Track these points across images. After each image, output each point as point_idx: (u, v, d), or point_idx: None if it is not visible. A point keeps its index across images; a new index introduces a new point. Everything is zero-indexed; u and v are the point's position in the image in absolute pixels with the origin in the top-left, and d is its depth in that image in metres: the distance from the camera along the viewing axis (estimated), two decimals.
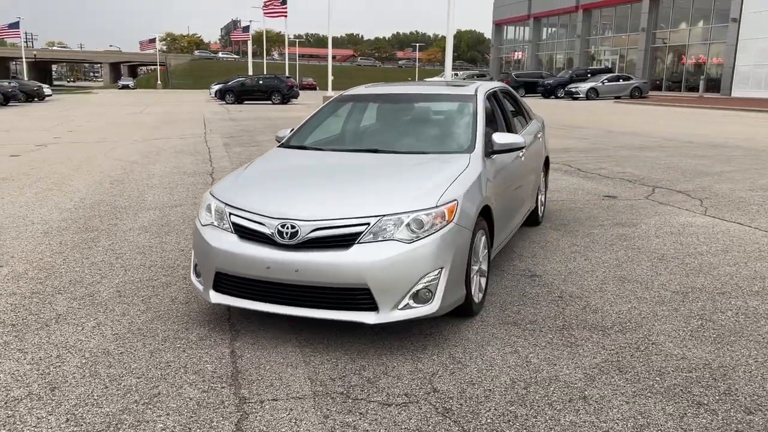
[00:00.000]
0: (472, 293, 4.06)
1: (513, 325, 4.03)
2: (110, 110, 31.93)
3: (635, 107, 31.36)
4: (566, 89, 40.31)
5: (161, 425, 2.93)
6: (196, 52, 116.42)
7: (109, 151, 13.83)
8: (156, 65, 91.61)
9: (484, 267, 4.35)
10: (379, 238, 3.56)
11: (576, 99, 38.63)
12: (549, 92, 42.42)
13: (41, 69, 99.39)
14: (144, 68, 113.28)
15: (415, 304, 3.60)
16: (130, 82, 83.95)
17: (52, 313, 4.27)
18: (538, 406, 3.07)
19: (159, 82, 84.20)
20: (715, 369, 3.44)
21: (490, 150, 4.59)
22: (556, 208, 7.57)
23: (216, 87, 43.19)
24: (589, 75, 43.16)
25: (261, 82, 39.53)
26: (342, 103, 5.55)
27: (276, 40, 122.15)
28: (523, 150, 5.45)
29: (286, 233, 3.64)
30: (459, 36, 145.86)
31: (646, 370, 3.44)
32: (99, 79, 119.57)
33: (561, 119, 22.50)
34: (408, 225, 3.60)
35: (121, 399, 3.16)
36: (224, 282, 3.86)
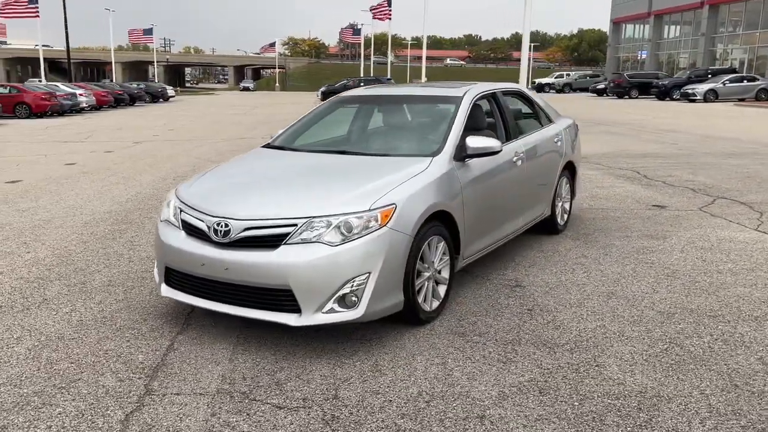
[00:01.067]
0: (421, 301, 3.94)
1: (458, 336, 3.86)
2: (219, 110, 33.76)
3: (755, 110, 28.83)
4: (682, 91, 37.75)
5: (60, 410, 3.08)
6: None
7: (194, 149, 14.64)
8: (274, 68, 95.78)
9: (445, 274, 4.21)
10: (307, 240, 3.54)
11: (693, 101, 36.09)
12: (664, 94, 39.89)
13: (175, 71, 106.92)
14: (266, 71, 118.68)
15: (339, 309, 3.55)
16: (251, 84, 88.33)
17: (40, 298, 4.60)
18: (428, 422, 2.93)
19: (277, 84, 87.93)
20: (648, 398, 3.12)
21: (463, 154, 4.43)
22: (591, 216, 7.15)
23: (322, 89, 44.51)
24: (709, 75, 40.17)
25: (362, 84, 40.26)
26: (335, 104, 5.56)
27: (394, 42, 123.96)
28: (522, 154, 5.21)
29: (220, 231, 3.71)
30: (581, 35, 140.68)
31: (570, 393, 3.18)
32: (226, 82, 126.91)
33: (659, 123, 21.15)
34: (338, 228, 3.56)
35: (43, 382, 3.35)
36: (173, 276, 3.99)
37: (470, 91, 5.02)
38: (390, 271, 3.62)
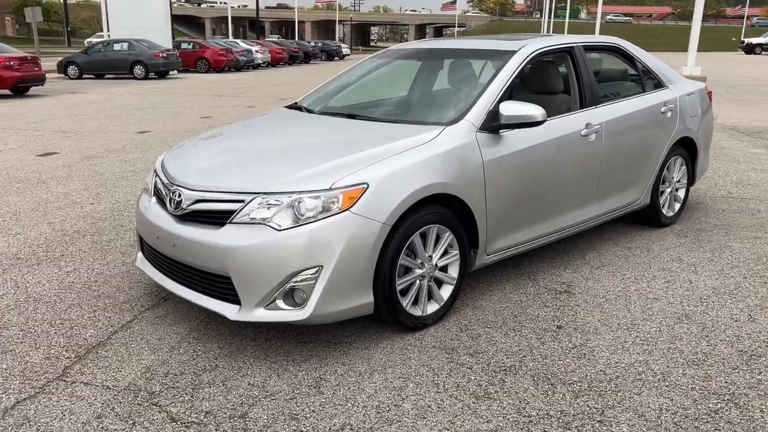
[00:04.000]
0: (408, 304, 3.21)
1: (445, 353, 3.08)
2: None
3: None
4: None
5: None
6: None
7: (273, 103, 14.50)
8: (454, 26, 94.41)
9: (452, 272, 3.41)
10: (255, 221, 2.96)
11: None
12: None
13: (360, 31, 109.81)
14: (447, 30, 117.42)
15: (284, 306, 2.94)
16: None
17: (53, 254, 4.52)
18: None
19: None
20: None
21: (495, 124, 3.53)
22: (723, 206, 5.71)
23: None
24: None
25: None
26: (376, 59, 4.81)
27: None
28: (598, 126, 4.13)
29: (174, 201, 3.25)
30: None
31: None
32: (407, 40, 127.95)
33: None
34: (292, 208, 2.93)
35: None
36: (145, 247, 3.63)
37: (528, 46, 4.01)
38: (351, 266, 2.93)
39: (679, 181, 5.14)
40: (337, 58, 47.50)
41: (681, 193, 5.21)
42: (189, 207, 3.15)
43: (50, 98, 15.90)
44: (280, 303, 2.93)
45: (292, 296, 2.95)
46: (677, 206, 5.18)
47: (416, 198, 3.10)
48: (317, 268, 2.88)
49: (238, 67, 30.32)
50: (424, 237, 3.23)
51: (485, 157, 3.45)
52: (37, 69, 16.64)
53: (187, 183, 3.23)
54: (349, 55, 51.86)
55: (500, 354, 3.07)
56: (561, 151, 3.90)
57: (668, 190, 5.04)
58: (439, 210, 3.25)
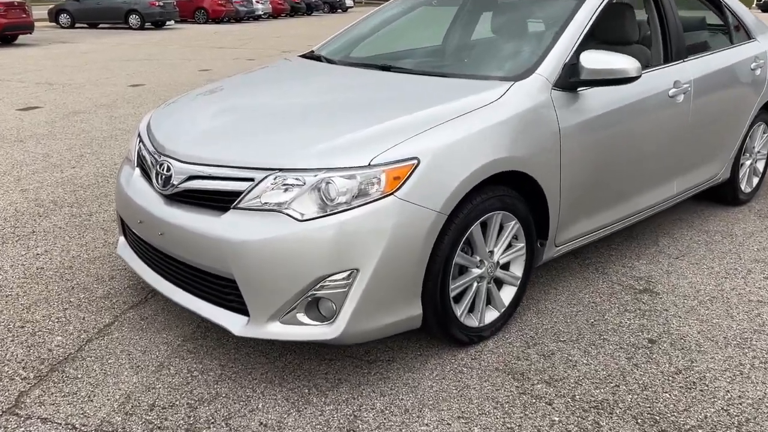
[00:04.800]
0: (462, 312, 2.49)
1: (513, 379, 2.38)
2: None
3: None
4: None
5: None
6: None
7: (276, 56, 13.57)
8: None
9: (516, 271, 2.69)
10: (267, 206, 2.21)
11: None
12: None
13: None
14: None
15: (307, 320, 2.22)
16: None
17: (22, 231, 3.79)
18: None
19: None
20: None
21: (574, 79, 2.75)
22: None
23: None
24: None
25: None
26: (403, 2, 3.98)
27: None
28: (687, 85, 3.35)
29: (161, 177, 2.50)
30: None
31: None
32: None
33: None
34: (317, 190, 2.18)
35: None
36: (126, 231, 2.89)
37: None
38: (396, 269, 2.20)
39: (758, 152, 4.37)
40: (339, 10, 45.85)
41: (760, 166, 4.45)
42: (181, 185, 2.40)
43: (38, 47, 14.95)
44: (301, 316, 2.21)
45: (318, 307, 2.23)
46: (755, 181, 4.43)
47: (480, 177, 2.35)
48: (351, 272, 2.15)
49: (238, 18, 29.07)
50: (484, 227, 2.49)
51: (562, 122, 2.68)
52: (24, 16, 15.63)
53: (178, 153, 2.47)
54: (352, 7, 50.12)
55: (585, 382, 2.37)
56: (645, 115, 3.13)
57: (748, 162, 4.28)
58: (505, 192, 2.51)
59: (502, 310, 2.67)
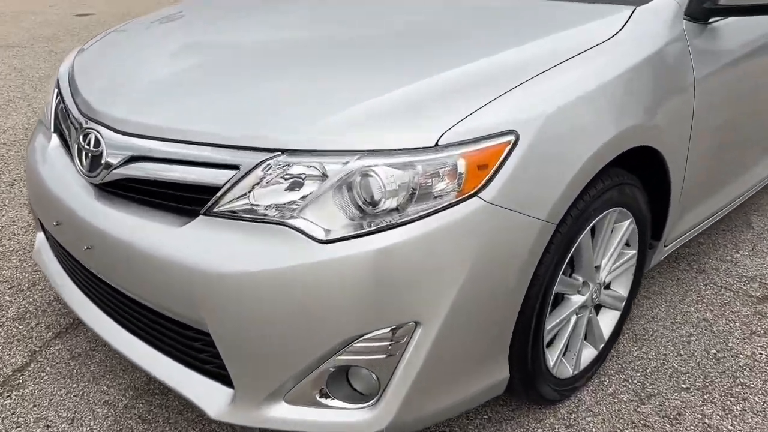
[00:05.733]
0: (554, 361, 1.65)
1: None
2: None
3: None
4: None
5: None
6: None
7: None
8: None
9: (620, 290, 1.85)
10: (261, 210, 1.30)
11: None
12: None
13: None
14: None
15: (330, 402, 1.35)
16: None
17: None
18: None
19: None
20: None
21: (709, 5, 1.83)
22: None
23: None
24: None
25: None
26: None
27: None
28: None
29: (86, 154, 1.56)
30: None
31: None
32: None
33: None
34: (348, 188, 1.27)
35: None
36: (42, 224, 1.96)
37: None
38: (477, 317, 1.34)
39: None
40: None
41: None
42: (117, 169, 1.47)
43: None
44: (318, 396, 1.35)
45: (348, 381, 1.36)
46: None
47: (605, 159, 1.49)
48: (407, 327, 1.28)
49: None
50: (593, 234, 1.63)
51: (696, 69, 1.79)
52: None
53: (114, 118, 1.52)
54: None
55: None
56: None
57: None
58: (625, 179, 1.63)
59: (601, 345, 1.84)
